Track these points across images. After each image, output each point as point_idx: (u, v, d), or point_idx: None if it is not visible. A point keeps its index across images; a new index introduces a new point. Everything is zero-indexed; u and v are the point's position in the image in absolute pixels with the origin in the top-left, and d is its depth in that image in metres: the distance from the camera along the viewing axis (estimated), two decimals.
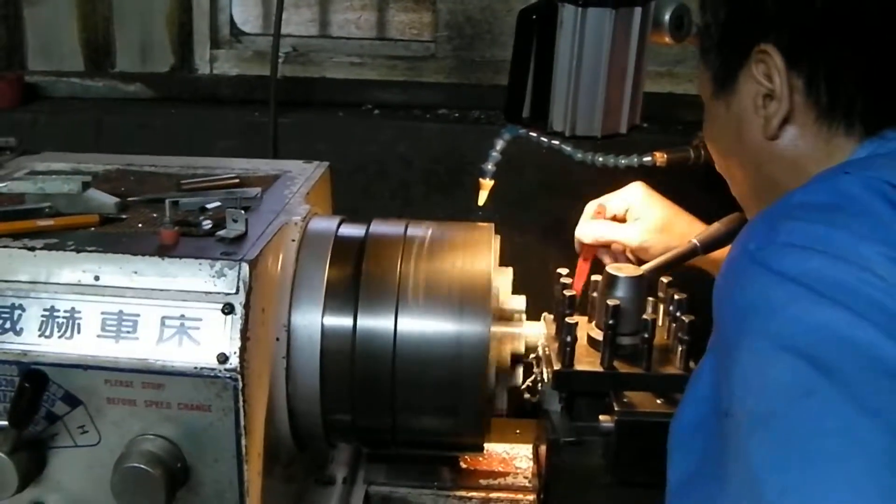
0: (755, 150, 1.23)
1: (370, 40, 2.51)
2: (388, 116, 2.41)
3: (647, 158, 1.76)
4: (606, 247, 1.84)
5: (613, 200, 1.83)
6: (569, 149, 1.73)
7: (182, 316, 1.29)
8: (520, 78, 1.48)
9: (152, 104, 2.40)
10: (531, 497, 1.78)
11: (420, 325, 1.47)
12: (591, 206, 1.85)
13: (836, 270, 0.93)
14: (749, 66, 1.19)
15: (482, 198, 1.81)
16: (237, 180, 1.64)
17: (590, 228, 1.82)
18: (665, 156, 1.77)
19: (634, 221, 1.79)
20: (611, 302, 1.51)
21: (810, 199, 1.04)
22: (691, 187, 2.08)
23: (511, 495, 1.80)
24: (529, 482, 1.82)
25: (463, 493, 1.80)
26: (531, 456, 1.87)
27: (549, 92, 1.49)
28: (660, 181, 1.84)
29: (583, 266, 1.84)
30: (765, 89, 1.18)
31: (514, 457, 1.89)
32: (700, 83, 1.34)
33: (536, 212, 2.35)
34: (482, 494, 1.80)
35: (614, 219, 1.82)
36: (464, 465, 1.85)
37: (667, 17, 1.55)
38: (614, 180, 2.27)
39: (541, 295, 1.74)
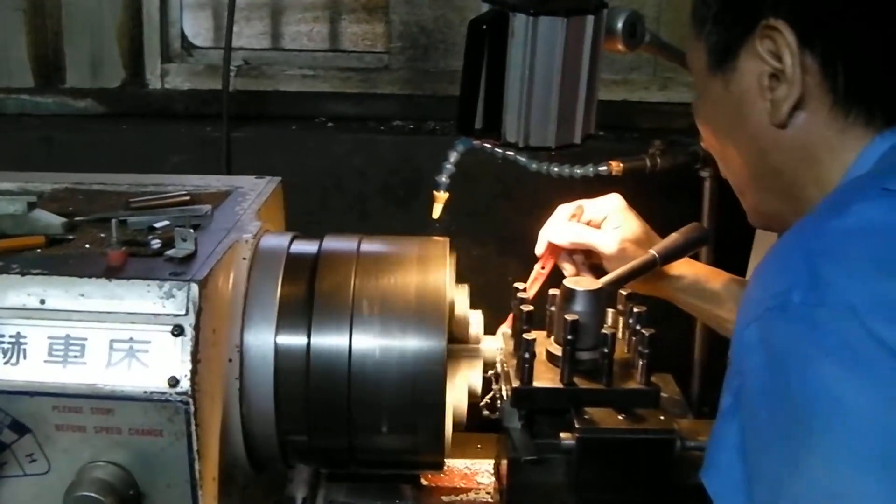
0: (759, 136, 1.12)
1: (323, 52, 2.48)
2: (343, 129, 2.38)
3: (603, 168, 1.76)
4: (576, 252, 1.78)
5: (592, 206, 1.76)
6: (524, 159, 1.72)
7: (131, 339, 1.26)
8: (471, 89, 1.46)
9: (104, 120, 2.36)
10: None
11: (375, 343, 1.45)
12: (566, 209, 1.77)
13: None
14: (753, 41, 1.09)
15: (437, 211, 1.79)
16: (187, 197, 1.61)
17: (566, 230, 1.75)
18: (621, 165, 1.76)
19: (614, 230, 1.73)
20: (569, 317, 1.49)
21: (849, 226, 0.93)
22: (645, 196, 2.08)
23: None
24: (492, 498, 1.80)
25: None
26: (493, 471, 1.85)
27: (502, 103, 1.47)
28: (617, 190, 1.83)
29: (541, 272, 1.80)
30: (771, 68, 1.07)
31: (475, 472, 1.87)
32: (691, 55, 1.22)
33: (493, 223, 2.33)
34: None
35: (588, 224, 1.77)
36: (425, 482, 1.83)
37: (620, 25, 1.54)
38: (571, 191, 2.27)
39: (499, 307, 1.73)
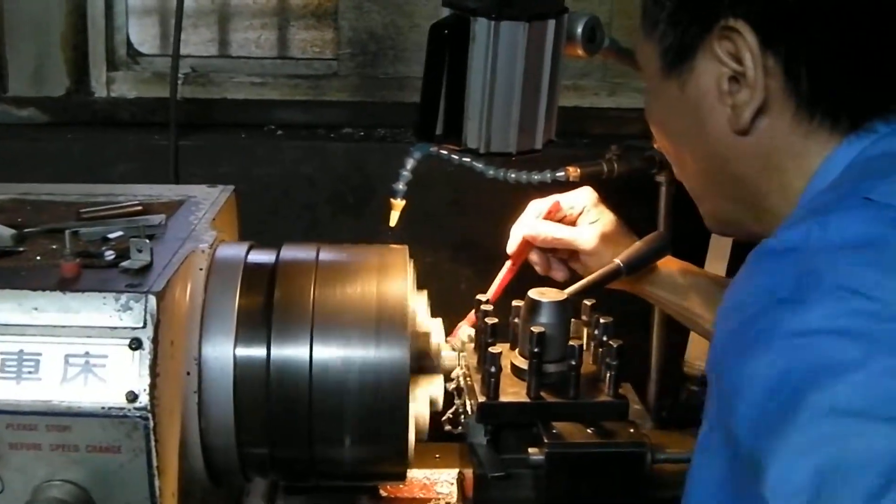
0: (718, 143, 1.07)
1: (271, 59, 2.45)
2: (292, 137, 2.35)
3: (561, 174, 1.74)
4: (553, 250, 1.75)
5: (568, 200, 1.72)
6: (480, 165, 1.69)
7: (87, 353, 1.23)
8: (432, 95, 1.44)
9: (47, 129, 2.31)
10: None
11: (336, 353, 1.43)
12: (540, 204, 1.72)
13: None
14: (711, 41, 1.03)
15: (394, 218, 1.76)
16: (140, 207, 1.58)
17: (543, 227, 1.70)
18: (578, 170, 1.75)
19: (591, 225, 1.69)
20: (535, 329, 1.47)
21: (833, 242, 0.88)
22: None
23: None
24: None
25: None
26: (452, 481, 1.83)
27: (462, 108, 1.46)
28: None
29: (510, 270, 1.78)
30: (730, 71, 1.02)
31: (434, 482, 1.85)
32: (642, 57, 1.17)
33: (446, 230, 2.32)
34: None
35: (563, 220, 1.73)
36: (384, 493, 1.80)
37: (579, 30, 1.53)
38: (524, 197, 2.26)
39: (453, 314, 1.71)
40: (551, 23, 1.46)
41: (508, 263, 1.78)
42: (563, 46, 1.51)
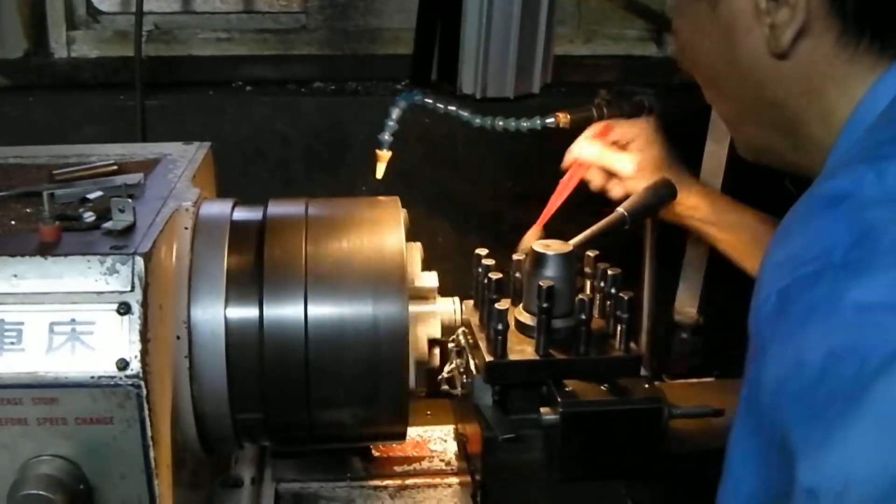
0: (754, 67, 1.00)
1: (237, 14, 2.37)
2: (262, 93, 2.28)
3: (550, 120, 1.69)
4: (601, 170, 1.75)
5: (622, 127, 1.73)
6: (466, 114, 1.64)
7: (73, 321, 1.15)
8: (426, 40, 1.38)
9: (7, 93, 2.22)
10: (449, 480, 1.70)
11: (332, 311, 1.37)
12: (596, 126, 1.74)
13: None
14: None
15: (380, 170, 1.71)
16: (116, 167, 1.50)
17: (588, 148, 1.72)
18: (568, 116, 1.71)
19: (637, 153, 1.70)
20: (543, 283, 1.41)
21: (891, 191, 0.82)
22: None
23: (428, 480, 1.72)
24: (447, 465, 1.74)
25: (377, 483, 1.71)
26: (446, 438, 1.79)
27: (458, 53, 1.39)
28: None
29: (565, 184, 1.77)
30: None
31: (427, 440, 1.81)
32: None
33: (422, 184, 2.27)
34: (398, 482, 1.72)
35: (615, 144, 1.74)
36: (376, 454, 1.76)
37: None
38: (500, 149, 2.22)
39: (432, 268, 1.65)
40: None
41: (564, 180, 1.78)
42: None
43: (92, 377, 1.14)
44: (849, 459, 0.74)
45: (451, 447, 1.77)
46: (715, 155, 2.00)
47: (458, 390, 1.57)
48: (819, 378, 0.77)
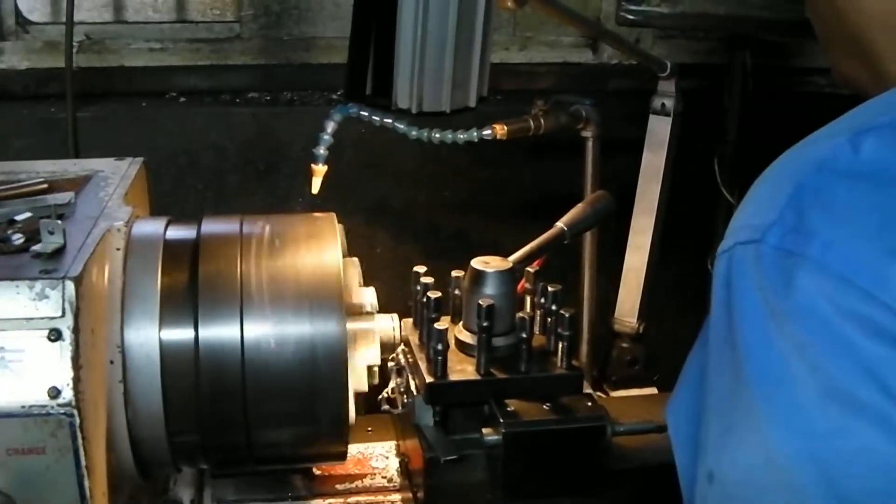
0: None
1: (170, 23, 2.33)
2: (196, 103, 2.26)
3: (487, 132, 1.68)
4: None
5: None
6: (403, 126, 1.62)
7: (1, 348, 1.12)
8: (360, 53, 1.36)
9: None
10: (392, 497, 1.68)
11: (269, 330, 1.35)
12: None
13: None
14: None
15: (316, 185, 1.68)
16: (45, 185, 1.47)
17: None
18: (505, 127, 1.69)
19: None
20: (483, 302, 1.40)
21: (856, 166, 0.79)
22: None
23: (370, 497, 1.69)
24: (389, 482, 1.71)
25: (319, 501, 1.68)
26: (387, 455, 1.77)
27: (392, 67, 1.37)
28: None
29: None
30: None
31: (369, 457, 1.78)
32: None
33: (359, 195, 2.26)
34: (340, 500, 1.68)
35: None
36: (318, 472, 1.73)
37: None
38: (436, 158, 2.21)
39: (371, 281, 1.64)
40: None
41: None
42: None
43: (23, 406, 1.12)
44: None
45: (394, 463, 1.75)
46: (652, 163, 2.01)
47: (399, 409, 1.55)
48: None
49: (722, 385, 0.84)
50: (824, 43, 1.06)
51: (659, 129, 2.01)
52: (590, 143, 1.87)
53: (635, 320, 2.06)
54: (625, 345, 2.09)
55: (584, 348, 1.98)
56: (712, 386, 0.85)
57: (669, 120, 1.99)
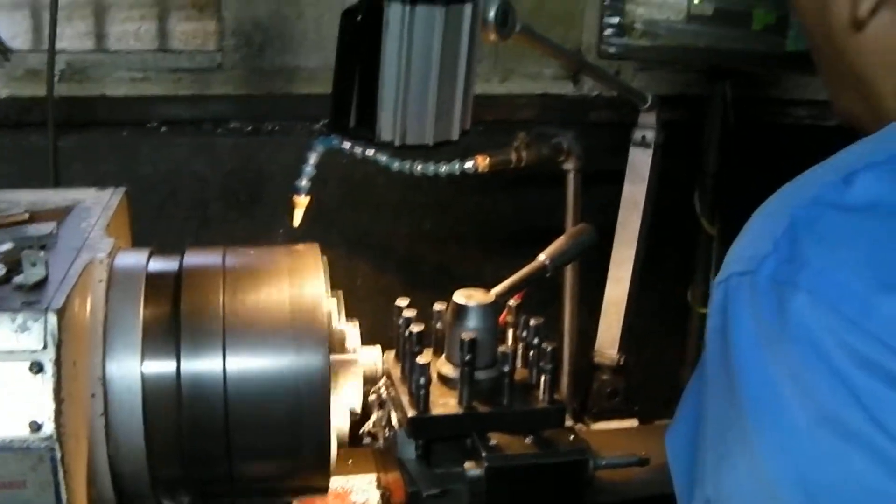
0: (837, 32, 0.97)
1: (152, 53, 2.33)
2: (178, 133, 2.25)
3: (469, 164, 1.69)
4: None
5: None
6: (385, 158, 1.63)
7: None
8: (345, 85, 1.36)
9: None
10: None
11: (251, 363, 1.34)
12: None
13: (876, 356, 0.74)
14: None
15: (297, 217, 1.68)
16: (27, 216, 1.46)
17: None
18: (487, 160, 1.70)
19: None
20: (466, 336, 1.40)
21: (851, 201, 0.81)
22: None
23: None
24: None
25: None
26: (367, 488, 1.76)
27: (376, 99, 1.37)
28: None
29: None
30: None
31: (349, 490, 1.78)
32: None
33: (340, 226, 2.26)
34: None
35: None
36: None
37: (492, 14, 1.46)
38: (418, 190, 2.21)
39: (352, 313, 1.64)
40: (468, 6, 1.39)
41: None
42: (479, 31, 1.44)
43: (3, 440, 1.10)
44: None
45: (374, 496, 1.74)
46: (633, 195, 2.02)
47: (381, 443, 1.54)
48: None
49: (718, 412, 0.85)
50: (824, 78, 1.07)
51: (639, 161, 2.02)
52: (571, 175, 1.88)
53: (615, 352, 2.07)
54: (605, 377, 2.09)
55: (565, 380, 1.98)
56: (709, 414, 0.87)
57: (650, 152, 2.00)
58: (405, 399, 1.44)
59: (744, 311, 0.82)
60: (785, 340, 0.78)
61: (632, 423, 2.07)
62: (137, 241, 1.64)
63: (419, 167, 1.65)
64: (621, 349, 2.07)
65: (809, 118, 2.46)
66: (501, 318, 1.56)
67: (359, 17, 1.34)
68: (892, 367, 0.74)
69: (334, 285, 1.57)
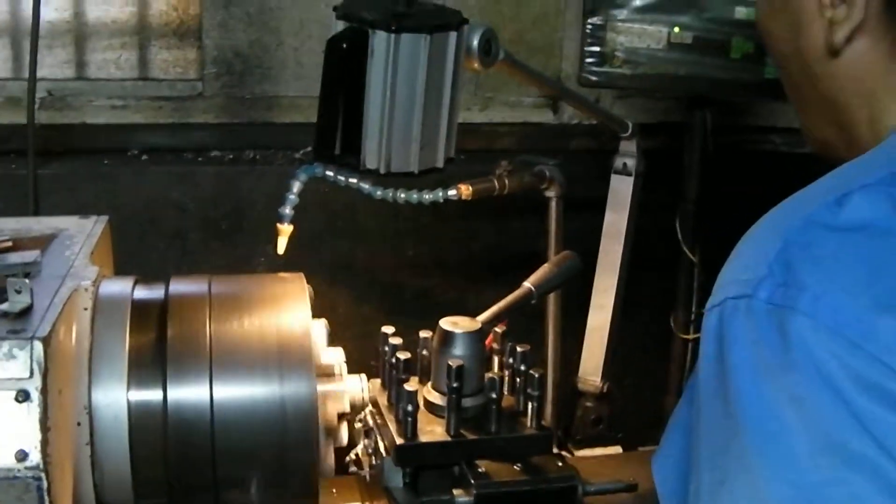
0: (812, 60, 0.99)
1: (132, 81, 2.33)
2: (158, 161, 2.25)
3: (453, 192, 1.69)
4: None
5: None
6: (368, 186, 1.63)
7: None
8: (330, 113, 1.36)
9: None
10: None
11: (238, 392, 1.34)
12: None
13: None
14: None
15: (281, 245, 1.67)
16: (10, 243, 1.45)
17: None
18: (470, 188, 1.70)
19: None
20: (453, 363, 1.39)
21: (843, 222, 0.82)
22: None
23: None
24: None
25: None
26: None
27: (361, 127, 1.38)
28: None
29: None
30: None
31: None
32: None
33: (322, 254, 2.25)
34: None
35: None
36: None
37: (475, 43, 1.47)
38: (397, 218, 2.22)
39: (335, 341, 1.63)
40: (452, 35, 1.39)
41: None
42: (463, 60, 1.45)
43: None
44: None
45: None
46: (614, 223, 2.02)
47: (367, 471, 1.54)
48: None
49: (714, 437, 0.84)
50: (796, 106, 1.08)
51: (621, 189, 2.03)
52: (553, 203, 1.89)
53: (599, 379, 2.07)
54: (589, 404, 2.09)
55: (549, 408, 1.98)
56: (703, 439, 0.86)
57: (631, 179, 2.01)
58: (392, 426, 1.43)
59: (741, 335, 0.82)
60: (787, 365, 0.78)
61: (615, 449, 2.07)
62: (118, 270, 1.63)
63: (402, 195, 1.65)
64: (605, 376, 2.07)
65: (785, 145, 2.48)
66: (487, 344, 1.56)
67: (344, 45, 1.34)
68: (894, 389, 0.74)
69: (315, 313, 1.56)
